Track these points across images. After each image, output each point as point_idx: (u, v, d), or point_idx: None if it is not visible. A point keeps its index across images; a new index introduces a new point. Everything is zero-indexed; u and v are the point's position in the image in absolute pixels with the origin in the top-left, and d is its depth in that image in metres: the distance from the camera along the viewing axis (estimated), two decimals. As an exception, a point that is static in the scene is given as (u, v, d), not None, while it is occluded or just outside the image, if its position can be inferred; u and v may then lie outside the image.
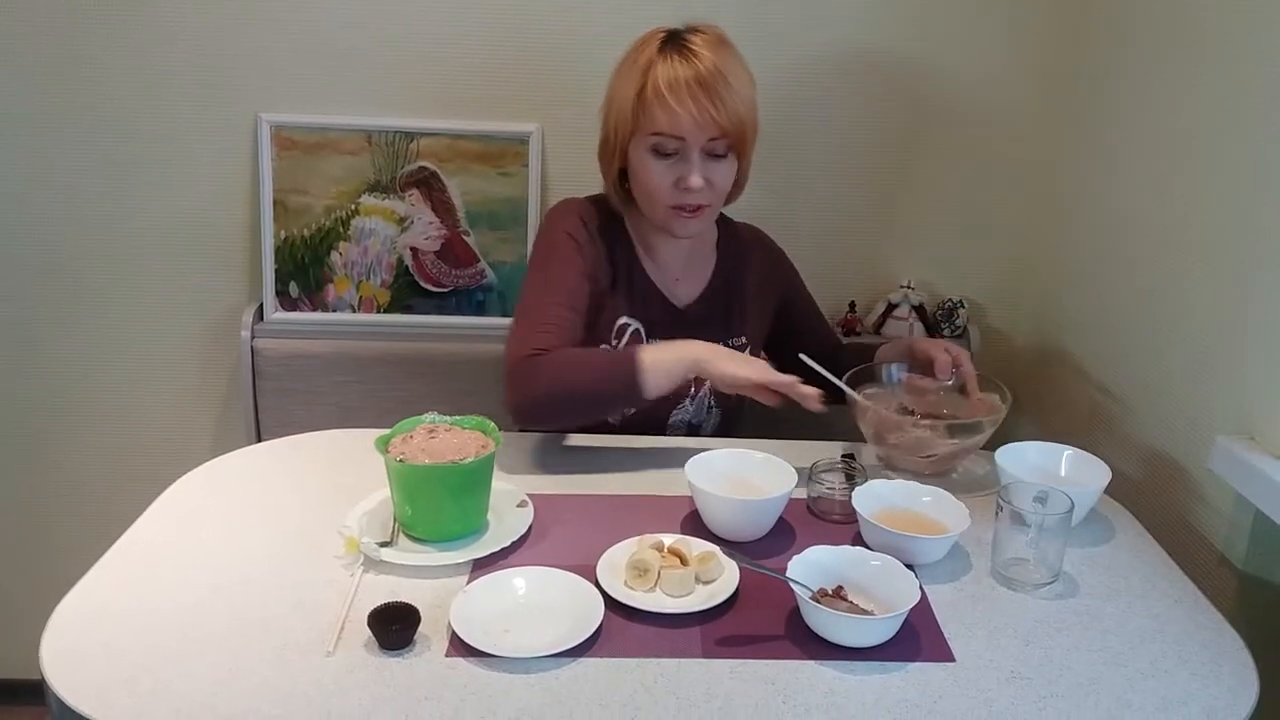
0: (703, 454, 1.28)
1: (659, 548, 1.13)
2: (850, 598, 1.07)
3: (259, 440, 1.84)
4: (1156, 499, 1.46)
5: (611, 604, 1.06)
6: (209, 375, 1.97)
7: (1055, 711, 0.95)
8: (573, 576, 1.09)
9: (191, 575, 1.11)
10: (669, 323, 1.51)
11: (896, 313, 1.90)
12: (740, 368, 1.32)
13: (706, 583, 1.11)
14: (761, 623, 1.06)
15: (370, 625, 1.00)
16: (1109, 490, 1.29)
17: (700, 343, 1.36)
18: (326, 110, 1.81)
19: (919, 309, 1.90)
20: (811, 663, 1.00)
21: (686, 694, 0.95)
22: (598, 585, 1.08)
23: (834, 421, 1.43)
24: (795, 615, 1.06)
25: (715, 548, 1.13)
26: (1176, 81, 1.47)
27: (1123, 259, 1.60)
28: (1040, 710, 0.95)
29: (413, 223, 1.86)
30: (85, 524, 2.05)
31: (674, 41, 1.38)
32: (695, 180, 1.37)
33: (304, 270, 1.88)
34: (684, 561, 1.12)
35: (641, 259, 1.52)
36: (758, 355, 1.57)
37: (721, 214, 1.57)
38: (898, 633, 1.03)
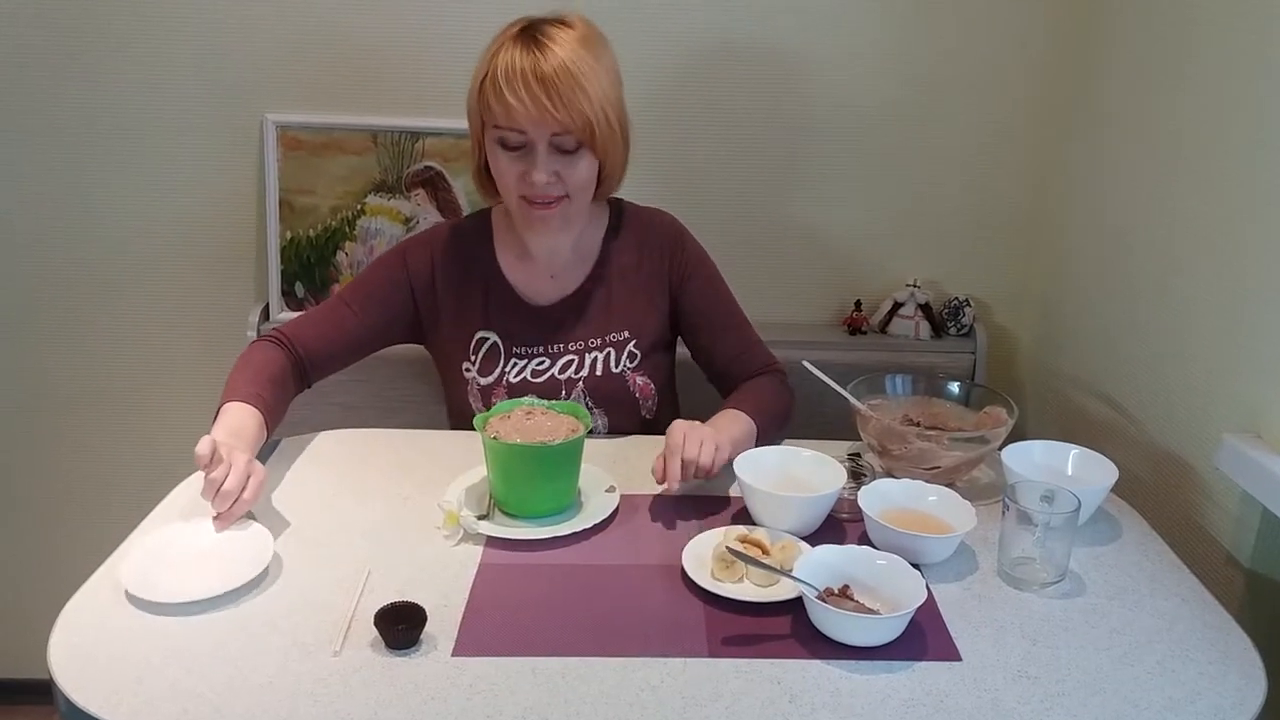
0: (750, 451, 1.30)
1: (743, 539, 1.14)
2: (856, 597, 1.07)
3: (265, 440, 1.84)
4: (1163, 498, 1.45)
5: (703, 595, 1.08)
6: (215, 375, 1.95)
7: (1062, 710, 0.94)
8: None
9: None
10: (526, 328, 1.48)
11: (902, 311, 1.89)
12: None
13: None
14: (768, 622, 1.06)
15: (376, 625, 1.00)
16: (1115, 489, 1.28)
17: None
18: (332, 110, 1.82)
19: (925, 307, 1.89)
20: (818, 662, 1.00)
21: (692, 693, 0.95)
22: (685, 576, 1.10)
23: (838, 421, 1.43)
24: (801, 614, 1.05)
25: (796, 539, 1.16)
26: (1179, 81, 1.46)
27: (1128, 257, 1.60)
28: (1047, 709, 0.95)
29: (418, 222, 1.86)
30: (93, 523, 2.06)
31: (529, 31, 1.31)
32: (538, 176, 1.32)
33: (310, 270, 1.88)
34: (765, 552, 1.13)
35: (504, 267, 1.49)
36: (648, 349, 1.50)
37: (620, 200, 1.53)
38: (904, 632, 1.02)
